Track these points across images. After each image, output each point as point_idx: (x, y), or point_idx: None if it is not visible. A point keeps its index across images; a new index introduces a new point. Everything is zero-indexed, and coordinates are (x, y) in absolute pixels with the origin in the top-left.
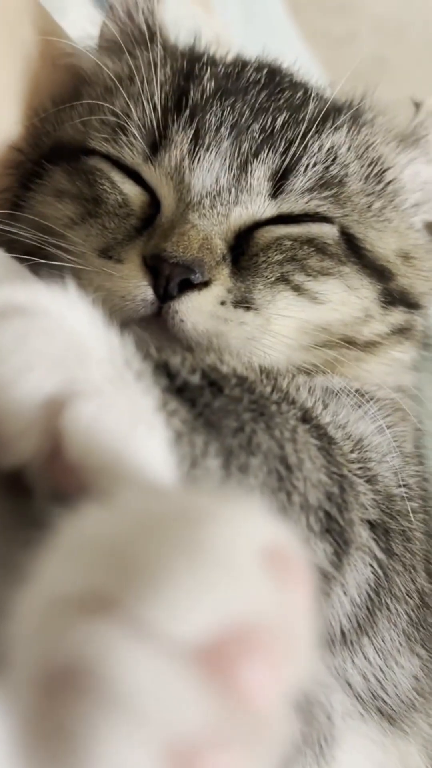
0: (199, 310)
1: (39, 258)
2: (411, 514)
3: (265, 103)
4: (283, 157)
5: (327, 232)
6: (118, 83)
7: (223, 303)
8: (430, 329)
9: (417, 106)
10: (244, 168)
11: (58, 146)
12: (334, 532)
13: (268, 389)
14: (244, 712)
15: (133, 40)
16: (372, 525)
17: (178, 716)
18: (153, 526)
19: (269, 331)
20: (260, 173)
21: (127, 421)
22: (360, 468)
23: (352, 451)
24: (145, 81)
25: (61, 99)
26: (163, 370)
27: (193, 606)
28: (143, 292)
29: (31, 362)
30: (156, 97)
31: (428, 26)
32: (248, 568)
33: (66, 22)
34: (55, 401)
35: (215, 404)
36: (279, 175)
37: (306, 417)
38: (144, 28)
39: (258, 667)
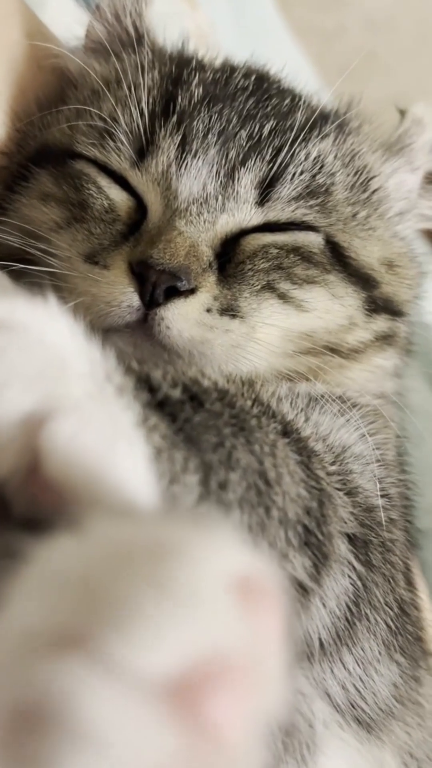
0: (185, 317)
1: (23, 262)
2: (392, 524)
3: (252, 110)
4: (270, 165)
5: (312, 240)
6: (105, 87)
7: (209, 310)
8: (414, 336)
9: (402, 113)
10: (231, 175)
11: (45, 149)
12: (312, 545)
13: (249, 403)
14: (211, 745)
15: (121, 42)
16: (351, 538)
17: (145, 752)
18: (122, 559)
19: (254, 338)
20: (247, 181)
21: (107, 438)
22: (340, 480)
23: (333, 463)
24: (133, 85)
25: (47, 101)
26: (145, 384)
27: (160, 642)
28: (129, 298)
29: (9, 379)
30: (143, 102)
31: (418, 21)
32: (216, 601)
33: (45, 17)
34: (34, 418)
35: (196, 419)
36: (266, 183)
37: (286, 430)
38: (132, 30)
39: (224, 700)
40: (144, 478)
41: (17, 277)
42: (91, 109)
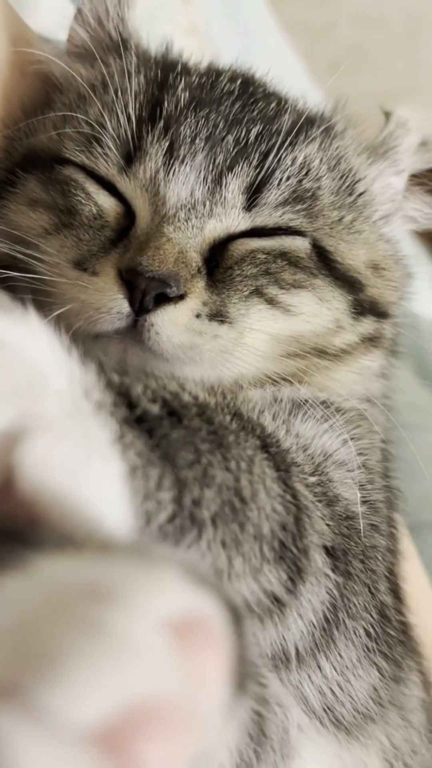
0: (174, 323)
1: (10, 269)
2: (373, 530)
3: (239, 115)
4: (258, 170)
5: (299, 245)
6: (91, 92)
7: (198, 316)
8: (400, 337)
9: (387, 115)
10: (218, 181)
11: (32, 154)
12: (287, 559)
13: (228, 418)
14: None
15: (104, 47)
16: (328, 549)
17: None
18: (60, 603)
19: (242, 344)
20: (235, 186)
21: (81, 457)
22: (320, 491)
23: (313, 473)
24: (119, 90)
25: (32, 106)
26: (124, 399)
27: (92, 690)
28: (119, 304)
29: None
30: (130, 108)
31: (407, 17)
32: (150, 646)
33: (37, 17)
34: (9, 436)
35: (173, 435)
36: (253, 188)
37: (266, 443)
38: (115, 35)
39: (155, 744)
40: (117, 496)
41: (2, 282)
42: (78, 114)
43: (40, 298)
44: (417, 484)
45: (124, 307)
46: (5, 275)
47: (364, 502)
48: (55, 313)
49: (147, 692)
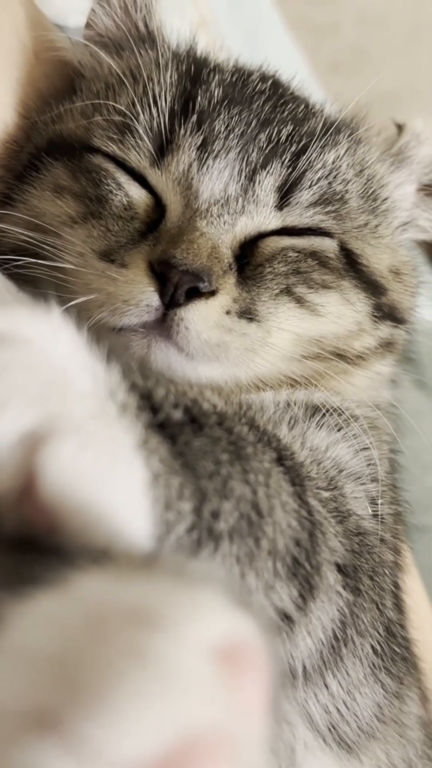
0: (205, 319)
1: (29, 256)
2: (382, 545)
3: (270, 114)
4: (290, 170)
5: (328, 246)
6: (122, 82)
7: (228, 312)
8: (412, 344)
9: (400, 128)
10: (251, 178)
11: (58, 140)
12: (300, 576)
13: (246, 429)
14: None
15: (132, 37)
16: (340, 566)
17: None
18: (102, 627)
19: (268, 343)
20: (267, 184)
21: (105, 464)
22: (333, 506)
23: (327, 488)
24: (151, 82)
25: (55, 92)
26: (147, 403)
27: (138, 723)
28: (148, 297)
29: (9, 396)
30: (163, 101)
31: (410, 18)
32: (198, 675)
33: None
34: (33, 437)
35: (195, 443)
36: (286, 187)
37: (281, 456)
38: (142, 26)
39: None
40: (140, 505)
41: (12, 269)
42: (109, 102)
43: (52, 287)
44: (409, 487)
45: (154, 300)
46: (17, 262)
47: (373, 517)
48: (72, 303)
49: (197, 725)
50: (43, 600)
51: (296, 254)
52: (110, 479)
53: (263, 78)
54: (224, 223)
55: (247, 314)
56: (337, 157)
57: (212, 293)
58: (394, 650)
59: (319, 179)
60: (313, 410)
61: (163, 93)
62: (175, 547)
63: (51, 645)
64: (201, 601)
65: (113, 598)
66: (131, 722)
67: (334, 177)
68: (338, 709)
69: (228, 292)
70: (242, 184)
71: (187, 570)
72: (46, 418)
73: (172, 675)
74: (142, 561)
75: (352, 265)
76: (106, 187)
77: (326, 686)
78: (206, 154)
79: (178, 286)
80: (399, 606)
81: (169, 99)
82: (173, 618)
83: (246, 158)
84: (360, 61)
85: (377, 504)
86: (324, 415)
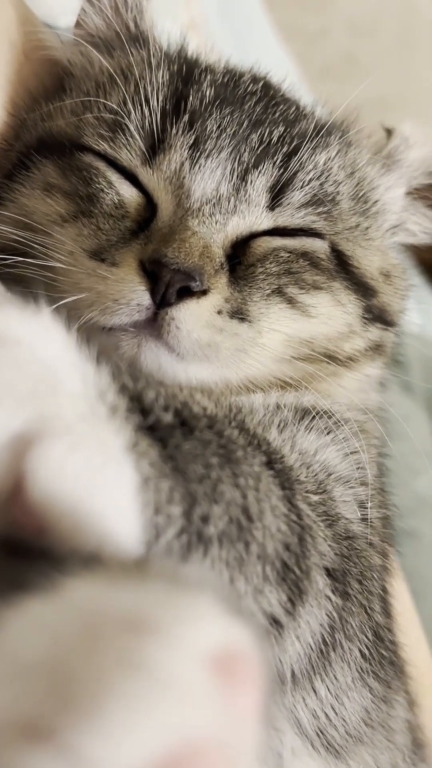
0: (196, 318)
1: (18, 255)
2: (370, 548)
3: (261, 115)
4: (281, 171)
5: (320, 247)
6: (113, 81)
7: (219, 312)
8: (400, 347)
9: (389, 132)
10: (243, 178)
11: (48, 138)
12: (289, 580)
13: (236, 432)
14: None
15: (123, 37)
16: (329, 571)
17: None
18: (96, 635)
19: (259, 343)
20: (259, 184)
21: (97, 465)
22: (322, 510)
23: (316, 492)
24: (144, 81)
25: (44, 91)
26: (137, 405)
27: (132, 732)
28: (139, 296)
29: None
30: (155, 100)
31: (399, 25)
32: (192, 683)
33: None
34: (22, 439)
35: (185, 447)
36: (277, 188)
37: (271, 460)
38: (133, 26)
39: None
40: (129, 509)
41: (6, 269)
42: (100, 100)
43: (42, 287)
44: (397, 491)
45: (145, 299)
46: (6, 261)
47: (362, 521)
48: (62, 302)
49: (192, 734)
50: (35, 606)
51: (288, 255)
52: (100, 482)
53: (255, 79)
54: (216, 223)
55: (239, 314)
56: (329, 159)
57: (204, 293)
58: (382, 654)
59: (310, 180)
60: (303, 413)
61: (154, 92)
62: (164, 551)
63: (44, 652)
64: (195, 608)
65: (107, 605)
66: (126, 731)
67: (326, 178)
68: (326, 714)
69: (219, 291)
70: (234, 184)
71: (178, 575)
72: (36, 420)
73: (166, 683)
74: (132, 565)
75: (343, 267)
76: (97, 185)
77: (314, 691)
78: (198, 154)
79: (170, 285)
80: (387, 610)
81: (160, 98)
82: (168, 626)
83: (238, 158)
84: (350, 67)
85: (366, 508)
86: (313, 418)
